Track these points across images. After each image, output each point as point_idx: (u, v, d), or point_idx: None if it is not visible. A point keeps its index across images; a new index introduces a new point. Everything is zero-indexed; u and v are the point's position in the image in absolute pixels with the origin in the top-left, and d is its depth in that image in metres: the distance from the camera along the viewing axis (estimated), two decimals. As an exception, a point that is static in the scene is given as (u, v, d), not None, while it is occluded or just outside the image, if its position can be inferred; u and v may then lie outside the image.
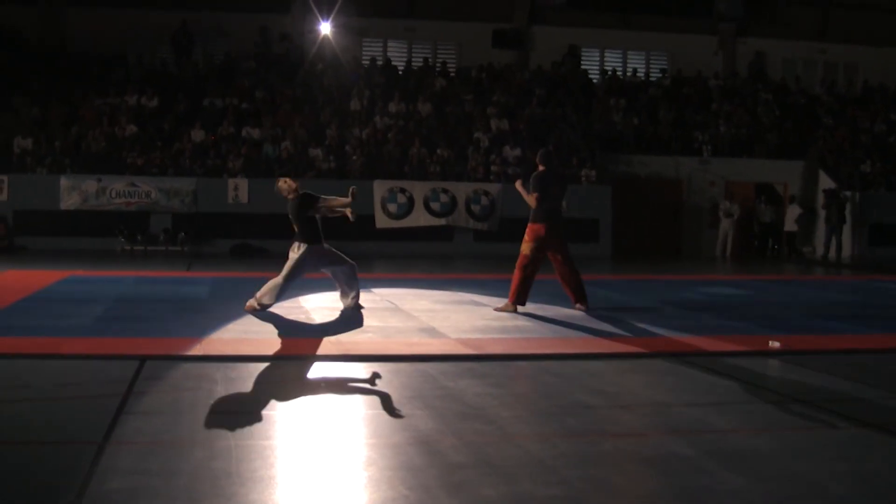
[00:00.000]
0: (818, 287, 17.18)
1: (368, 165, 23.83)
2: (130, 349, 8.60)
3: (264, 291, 11.06)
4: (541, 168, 12.16)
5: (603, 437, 6.02)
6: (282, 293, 11.15)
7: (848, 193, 25.75)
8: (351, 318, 10.96)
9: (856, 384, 7.89)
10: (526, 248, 11.93)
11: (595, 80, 30.22)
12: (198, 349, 8.71)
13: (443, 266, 20.10)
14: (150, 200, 22.41)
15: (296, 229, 11.22)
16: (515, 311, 11.78)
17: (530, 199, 11.98)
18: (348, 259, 11.58)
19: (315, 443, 5.74)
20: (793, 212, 26.13)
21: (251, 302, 11.10)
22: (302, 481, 4.98)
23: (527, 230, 12.02)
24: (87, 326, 10.01)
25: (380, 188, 23.32)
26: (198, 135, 23.86)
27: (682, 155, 26.74)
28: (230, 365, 8.00)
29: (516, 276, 11.88)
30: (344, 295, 11.68)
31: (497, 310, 11.89)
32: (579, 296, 12.20)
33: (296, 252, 11.11)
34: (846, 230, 25.72)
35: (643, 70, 31.48)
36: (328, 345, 9.13)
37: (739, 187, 26.82)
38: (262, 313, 10.97)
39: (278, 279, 11.04)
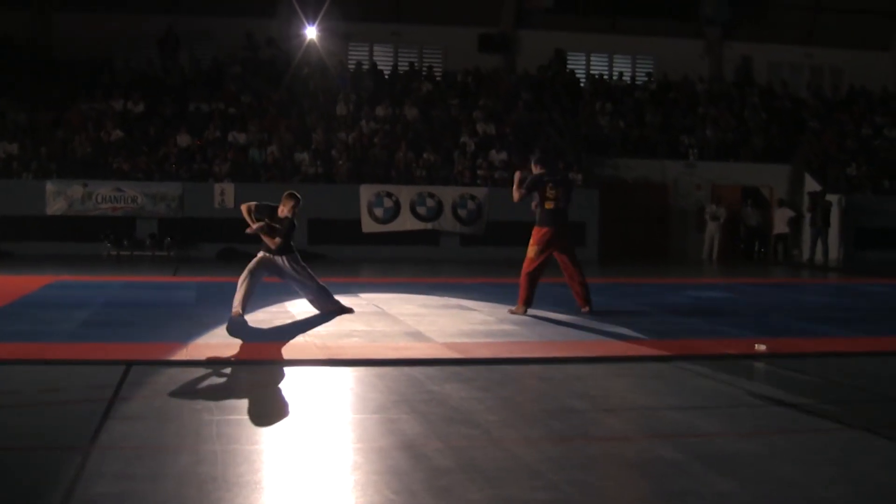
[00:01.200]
0: (804, 290, 17.23)
1: (355, 170, 23.82)
2: (116, 354, 8.57)
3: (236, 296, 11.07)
4: (537, 170, 12.28)
5: (589, 441, 6.02)
6: (248, 292, 11.02)
7: (830, 201, 25.76)
8: (337, 323, 10.94)
9: (842, 387, 7.92)
10: (531, 251, 12.09)
11: (581, 84, 30.27)
12: (184, 354, 8.69)
13: (429, 270, 20.09)
14: (136, 205, 22.36)
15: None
16: (525, 313, 11.87)
17: (515, 194, 12.15)
18: (316, 281, 11.47)
19: (301, 447, 5.73)
20: (783, 214, 26.22)
21: (235, 309, 11.10)
22: (288, 486, 4.97)
23: (532, 233, 12.15)
24: (73, 332, 9.98)
25: (366, 192, 23.31)
26: (184, 139, 23.82)
27: (668, 158, 26.81)
28: (216, 370, 7.98)
29: (523, 280, 11.99)
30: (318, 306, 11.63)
31: (511, 312, 12.01)
32: (583, 299, 12.29)
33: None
34: (832, 233, 25.80)
35: (629, 74, 31.55)
36: (314, 349, 9.11)
37: (726, 191, 26.88)
38: (250, 318, 10.94)
39: (240, 277, 11.04)
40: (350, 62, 29.43)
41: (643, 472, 5.37)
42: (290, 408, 6.84)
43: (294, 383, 7.72)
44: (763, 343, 9.70)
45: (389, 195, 23.42)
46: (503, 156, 24.91)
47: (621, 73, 31.23)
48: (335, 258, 22.14)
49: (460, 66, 29.28)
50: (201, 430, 6.00)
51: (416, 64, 29.83)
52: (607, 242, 24.85)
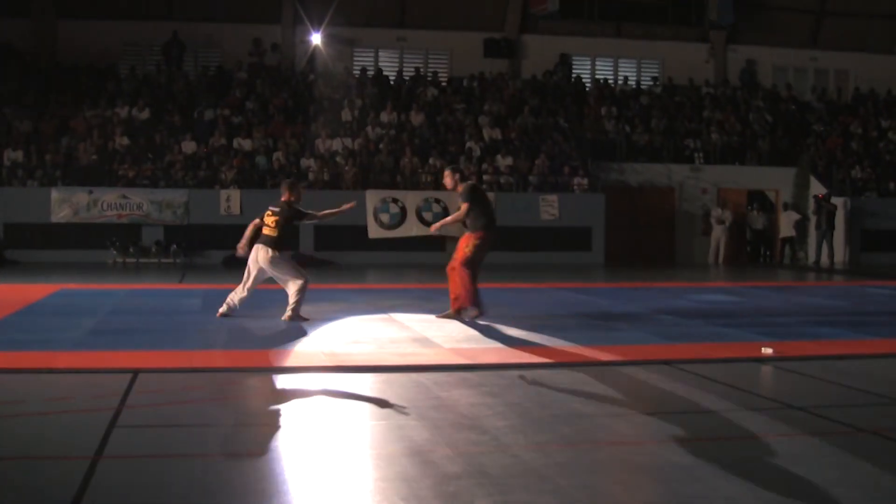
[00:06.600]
0: (810, 293, 17.20)
1: (360, 176, 23.83)
2: (123, 362, 8.56)
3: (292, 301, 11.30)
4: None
5: (597, 446, 6.01)
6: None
7: (836, 204, 25.68)
8: (344, 330, 10.95)
9: (849, 389, 7.89)
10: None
11: (587, 89, 30.26)
12: (191, 362, 8.68)
13: (435, 276, 20.02)
14: (141, 212, 22.38)
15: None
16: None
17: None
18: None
19: (309, 454, 5.72)
20: (789, 217, 26.18)
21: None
22: (296, 493, 4.96)
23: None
24: (79, 340, 9.98)
25: (372, 198, 23.31)
26: (189, 146, 23.85)
27: (674, 162, 26.78)
28: (223, 377, 7.97)
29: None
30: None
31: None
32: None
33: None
34: (838, 236, 25.76)
35: (635, 78, 31.55)
36: (321, 356, 9.11)
37: (731, 194, 26.85)
38: (255, 325, 10.95)
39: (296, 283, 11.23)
40: (355, 68, 29.43)
41: (651, 476, 5.36)
42: (298, 415, 6.83)
43: (302, 390, 7.70)
44: (770, 346, 9.68)
45: (395, 201, 23.43)
46: (509, 161, 24.90)
47: (626, 78, 31.21)
48: (341, 264, 22.13)
49: (466, 72, 29.29)
50: (208, 438, 5.99)
51: (421, 69, 29.84)
52: (613, 247, 24.82)
